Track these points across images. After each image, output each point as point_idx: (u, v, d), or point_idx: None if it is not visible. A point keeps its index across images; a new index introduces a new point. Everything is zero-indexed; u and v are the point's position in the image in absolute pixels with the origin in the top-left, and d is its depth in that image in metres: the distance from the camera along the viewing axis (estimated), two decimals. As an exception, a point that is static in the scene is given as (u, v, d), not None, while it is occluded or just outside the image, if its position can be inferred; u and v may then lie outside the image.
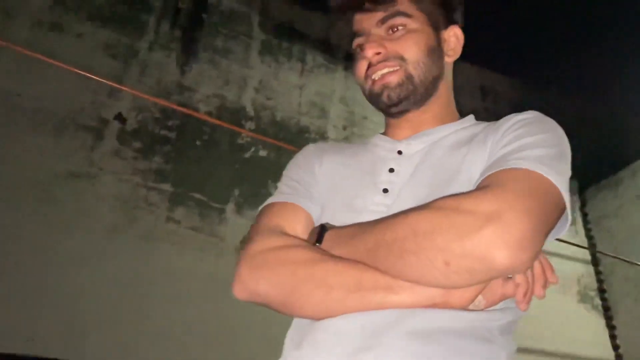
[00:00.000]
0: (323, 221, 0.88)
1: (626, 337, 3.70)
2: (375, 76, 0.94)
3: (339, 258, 0.76)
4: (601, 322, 3.80)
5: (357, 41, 0.97)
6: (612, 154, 4.13)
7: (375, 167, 0.94)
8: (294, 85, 3.52)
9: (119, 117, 2.92)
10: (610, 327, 3.76)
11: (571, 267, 3.88)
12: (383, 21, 0.94)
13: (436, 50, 0.96)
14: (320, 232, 0.83)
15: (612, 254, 3.72)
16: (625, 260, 3.54)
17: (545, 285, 0.73)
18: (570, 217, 0.81)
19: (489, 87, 4.34)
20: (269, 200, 0.95)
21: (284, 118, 3.37)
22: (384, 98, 0.94)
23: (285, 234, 0.85)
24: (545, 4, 3.69)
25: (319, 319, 0.76)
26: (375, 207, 0.86)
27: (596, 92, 4.09)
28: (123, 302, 2.46)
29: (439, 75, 0.98)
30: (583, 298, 3.81)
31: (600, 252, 3.93)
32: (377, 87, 0.94)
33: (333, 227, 0.84)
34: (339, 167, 0.98)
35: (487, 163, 0.82)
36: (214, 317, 2.49)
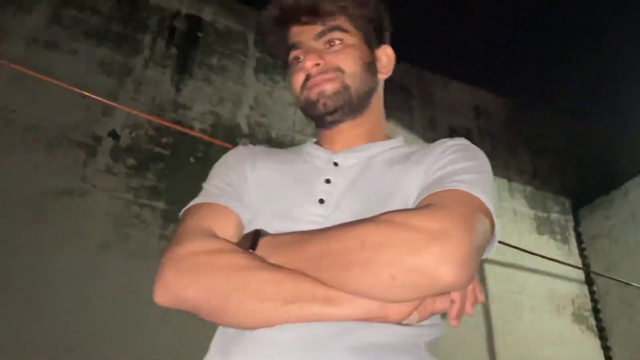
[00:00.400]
0: (253, 228, 0.85)
1: (621, 359, 3.67)
2: (312, 83, 0.95)
3: (276, 266, 0.74)
4: (596, 342, 3.78)
5: (295, 53, 0.99)
6: (605, 173, 4.15)
7: (310, 177, 0.94)
8: (289, 103, 3.53)
9: (113, 134, 2.91)
10: (606, 349, 3.74)
11: (566, 287, 3.87)
12: (321, 35, 0.96)
13: (371, 66, 1.00)
14: (255, 238, 0.80)
15: (606, 274, 3.72)
16: (619, 281, 3.53)
17: (474, 303, 0.75)
18: (497, 241, 0.84)
19: (482, 106, 4.37)
20: (196, 201, 0.90)
21: (279, 135, 3.38)
22: (320, 105, 0.95)
23: (217, 237, 0.81)
24: (539, 25, 3.74)
25: (251, 329, 0.74)
26: (312, 217, 0.86)
27: (589, 113, 4.12)
28: (114, 321, 2.42)
29: (373, 90, 1.01)
30: (578, 318, 3.80)
31: (595, 272, 3.92)
32: (313, 95, 0.95)
33: (268, 233, 0.82)
34: (273, 173, 0.96)
35: (423, 182, 0.86)
36: (207, 336, 2.46)
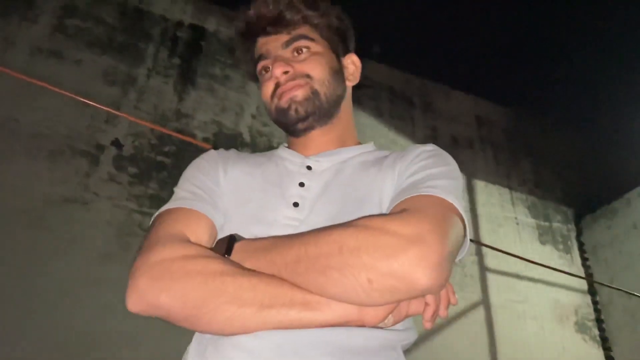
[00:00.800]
0: (227, 232, 0.84)
1: (625, 369, 3.65)
2: (281, 91, 0.96)
3: (253, 271, 0.74)
4: (600, 353, 3.76)
5: (263, 63, 1.00)
6: (607, 183, 4.15)
7: (283, 180, 0.94)
8: (291, 113, 3.54)
9: (116, 143, 2.92)
10: (609, 359, 3.72)
11: (568, 297, 3.85)
12: (287, 44, 0.98)
13: (339, 73, 1.01)
14: (230, 243, 0.79)
15: (609, 284, 3.70)
16: (622, 291, 3.52)
17: (447, 306, 0.76)
18: (467, 245, 0.85)
19: (484, 116, 4.38)
20: (168, 206, 0.88)
21: (280, 144, 3.38)
22: (292, 112, 0.96)
23: (191, 243, 0.79)
24: (541, 35, 3.75)
25: (227, 335, 0.73)
26: (287, 221, 0.86)
27: (591, 123, 4.13)
28: (115, 329, 2.42)
29: (341, 96, 1.02)
30: (581, 328, 3.78)
31: (598, 282, 3.91)
32: (283, 102, 0.96)
33: (243, 238, 0.81)
34: (245, 177, 0.96)
35: (396, 187, 0.87)
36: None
